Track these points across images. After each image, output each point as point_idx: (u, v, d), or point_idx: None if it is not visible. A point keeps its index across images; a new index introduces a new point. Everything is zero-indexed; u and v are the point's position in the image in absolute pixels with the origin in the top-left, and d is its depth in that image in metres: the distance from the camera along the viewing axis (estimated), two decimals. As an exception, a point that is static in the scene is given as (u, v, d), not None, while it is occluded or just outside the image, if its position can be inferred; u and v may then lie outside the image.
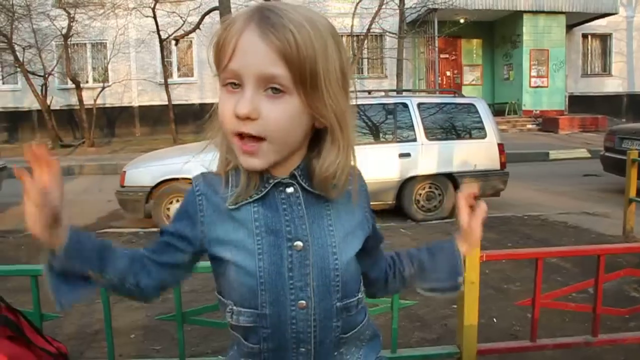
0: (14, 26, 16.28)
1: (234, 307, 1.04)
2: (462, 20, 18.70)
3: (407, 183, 6.86)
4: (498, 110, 19.21)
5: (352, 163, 1.05)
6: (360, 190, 1.11)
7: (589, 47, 22.55)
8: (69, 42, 17.20)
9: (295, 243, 1.01)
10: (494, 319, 3.49)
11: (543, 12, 19.13)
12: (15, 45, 16.23)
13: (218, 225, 1.03)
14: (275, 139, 0.94)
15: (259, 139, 0.93)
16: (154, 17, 16.12)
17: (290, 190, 1.03)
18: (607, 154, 8.59)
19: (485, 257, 2.16)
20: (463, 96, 7.88)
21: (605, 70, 22.65)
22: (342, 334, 1.08)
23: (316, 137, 1.03)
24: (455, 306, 3.03)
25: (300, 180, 1.02)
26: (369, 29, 16.00)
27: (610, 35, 22.18)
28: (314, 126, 0.99)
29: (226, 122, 0.95)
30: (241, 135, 0.94)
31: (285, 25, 0.90)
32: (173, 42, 16.28)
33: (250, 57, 0.90)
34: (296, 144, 0.99)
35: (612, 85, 22.46)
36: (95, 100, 17.65)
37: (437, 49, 18.93)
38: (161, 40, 16.64)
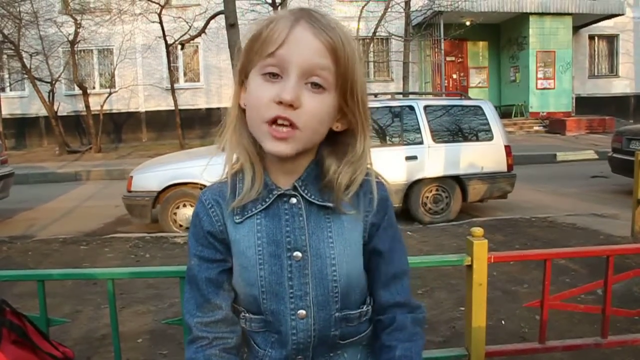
0: (21, 33, 16.38)
1: (246, 314, 1.09)
2: (468, 23, 18.66)
3: (414, 186, 6.85)
4: (505, 113, 19.19)
5: (369, 166, 1.09)
6: (367, 198, 1.08)
7: (596, 49, 22.47)
8: (75, 49, 17.28)
9: (295, 253, 1.04)
10: (502, 321, 3.46)
11: (549, 13, 19.09)
12: (23, 52, 16.33)
13: (229, 232, 1.06)
14: (308, 129, 0.96)
15: (292, 127, 0.95)
16: (160, 23, 16.16)
17: (293, 201, 1.04)
18: (614, 155, 8.55)
19: (494, 258, 2.15)
20: (469, 98, 7.87)
21: (613, 71, 22.56)
22: (339, 340, 1.10)
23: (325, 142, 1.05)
24: (463, 308, 3.01)
25: (302, 192, 1.04)
26: (374, 32, 16.02)
27: (617, 36, 22.11)
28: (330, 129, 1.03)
29: (263, 107, 0.96)
30: (273, 122, 0.95)
31: (334, 28, 0.97)
32: (179, 47, 16.31)
33: (302, 48, 0.94)
34: (318, 140, 1.02)
35: (620, 86, 22.36)
36: (102, 106, 17.71)
37: (443, 51, 18.93)
38: (167, 46, 16.68)
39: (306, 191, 1.04)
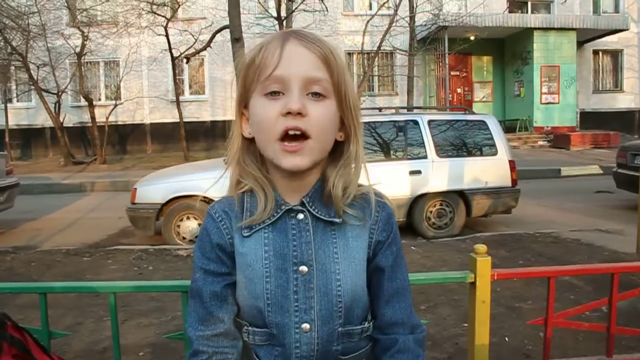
0: (29, 45, 16.51)
1: (249, 328, 1.10)
2: (472, 38, 18.73)
3: (417, 200, 6.83)
4: (509, 127, 19.20)
5: (367, 182, 1.12)
6: (373, 216, 1.11)
7: (600, 63, 22.50)
8: (82, 61, 17.41)
9: (301, 267, 1.05)
10: (506, 338, 3.44)
11: (554, 28, 19.15)
12: (30, 64, 16.46)
13: (236, 245, 1.08)
14: (319, 137, 1.00)
15: (303, 138, 0.98)
16: (166, 36, 16.29)
17: (300, 216, 1.07)
18: (619, 170, 8.53)
19: (497, 276, 2.13)
20: (474, 113, 7.86)
21: (617, 86, 22.58)
22: (340, 355, 1.11)
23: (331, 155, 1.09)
24: (466, 324, 2.99)
25: (309, 208, 1.06)
26: (379, 47, 16.07)
27: (621, 51, 22.15)
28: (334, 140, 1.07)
29: (272, 123, 0.99)
30: (284, 138, 0.98)
31: (322, 40, 1.02)
32: (185, 60, 16.42)
33: (297, 63, 0.99)
34: (328, 149, 1.05)
35: (624, 101, 22.36)
36: (107, 118, 17.81)
37: (447, 66, 18.97)
38: (173, 58, 16.79)
39: (313, 207, 1.07)
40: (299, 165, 0.99)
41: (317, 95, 0.99)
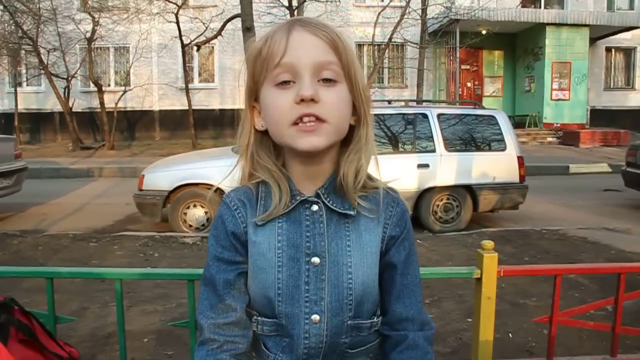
0: (39, 29, 16.54)
1: (259, 317, 1.10)
2: (484, 32, 18.60)
3: (425, 194, 6.82)
4: (518, 123, 19.09)
5: (378, 175, 1.11)
6: (387, 211, 1.11)
7: (613, 61, 22.32)
8: (92, 46, 17.44)
9: (313, 259, 1.05)
10: (510, 334, 3.44)
11: (566, 24, 18.99)
12: (40, 48, 16.50)
13: (249, 234, 1.07)
14: (334, 121, 0.99)
15: (319, 121, 0.97)
16: (177, 23, 16.27)
17: (315, 208, 1.06)
18: (628, 169, 8.47)
19: (503, 272, 2.13)
20: (483, 108, 7.81)
21: (629, 84, 22.40)
22: (348, 348, 1.10)
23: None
24: (470, 320, 2.99)
25: (324, 199, 1.06)
26: (390, 39, 16.00)
27: (634, 48, 21.96)
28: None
29: (285, 112, 0.98)
30: (298, 122, 0.97)
31: (327, 25, 1.01)
32: (195, 47, 16.41)
33: (305, 49, 0.98)
34: (343, 133, 1.03)
35: (636, 99, 22.18)
36: (116, 104, 17.86)
37: (458, 59, 18.88)
38: (183, 46, 16.79)
39: (328, 199, 1.06)
40: (316, 145, 0.98)
41: (328, 81, 0.98)
